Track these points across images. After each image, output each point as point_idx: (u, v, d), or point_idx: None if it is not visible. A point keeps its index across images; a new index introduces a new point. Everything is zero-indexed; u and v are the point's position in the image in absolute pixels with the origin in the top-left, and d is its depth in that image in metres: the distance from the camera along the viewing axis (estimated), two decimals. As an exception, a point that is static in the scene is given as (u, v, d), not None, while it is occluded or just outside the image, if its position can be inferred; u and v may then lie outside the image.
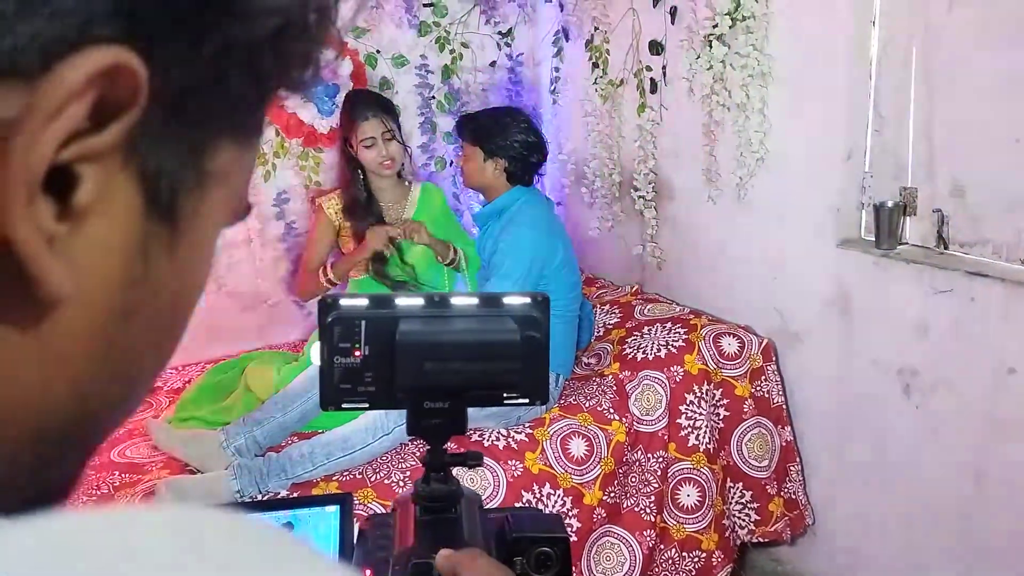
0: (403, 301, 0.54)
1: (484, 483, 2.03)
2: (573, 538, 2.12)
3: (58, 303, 0.24)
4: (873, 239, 2.11)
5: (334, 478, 2.00)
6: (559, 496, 2.12)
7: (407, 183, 2.64)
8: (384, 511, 1.90)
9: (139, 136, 0.24)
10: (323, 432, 2.08)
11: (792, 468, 2.38)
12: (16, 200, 0.22)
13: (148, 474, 2.03)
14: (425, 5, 2.87)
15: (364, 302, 0.53)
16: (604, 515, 2.18)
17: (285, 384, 2.24)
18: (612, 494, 2.19)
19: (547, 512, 0.58)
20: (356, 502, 1.92)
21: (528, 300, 0.55)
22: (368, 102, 2.51)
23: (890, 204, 2.05)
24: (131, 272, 0.26)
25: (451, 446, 0.57)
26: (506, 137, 2.29)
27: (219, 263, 2.70)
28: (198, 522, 0.22)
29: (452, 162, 3.03)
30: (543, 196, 2.47)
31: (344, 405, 0.53)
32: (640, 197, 2.68)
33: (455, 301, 0.54)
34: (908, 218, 2.07)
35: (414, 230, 2.44)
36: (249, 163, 0.31)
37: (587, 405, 2.25)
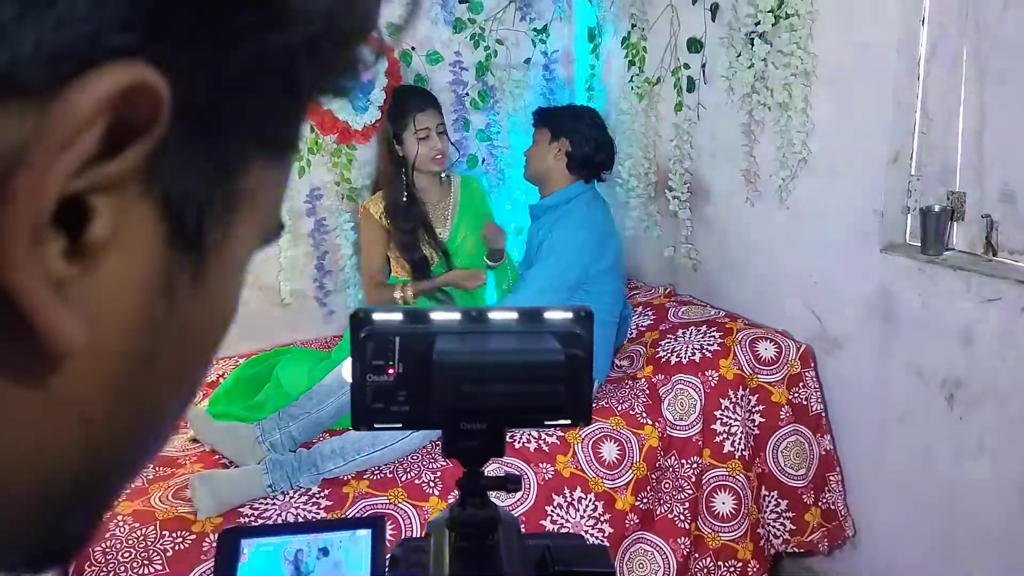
0: (439, 316, 0.51)
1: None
2: (605, 544, 2.09)
3: (68, 355, 0.21)
4: (919, 244, 2.05)
5: (365, 476, 1.99)
6: (590, 500, 2.09)
7: (447, 180, 2.62)
8: (415, 519, 1.88)
9: (161, 158, 0.21)
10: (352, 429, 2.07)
11: (831, 478, 2.33)
12: (17, 242, 0.19)
13: (182, 468, 2.04)
14: (461, 1, 2.85)
15: (398, 317, 0.51)
16: (637, 521, 2.14)
17: (317, 381, 2.24)
18: (645, 500, 2.16)
19: (591, 542, 0.55)
20: (386, 502, 1.92)
21: (571, 315, 0.52)
22: (422, 95, 2.52)
23: (937, 209, 1.99)
24: (153, 312, 0.23)
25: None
26: (577, 124, 2.34)
27: (254, 257, 2.70)
28: None
29: (484, 160, 3.01)
30: (601, 197, 2.45)
31: (376, 425, 0.51)
32: (675, 197, 2.63)
33: (493, 316, 0.52)
34: (955, 223, 2.01)
35: (496, 233, 2.44)
36: (282, 180, 0.28)
37: (619, 409, 2.22)
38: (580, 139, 2.32)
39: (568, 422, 0.52)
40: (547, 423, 0.52)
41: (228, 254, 0.25)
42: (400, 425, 0.52)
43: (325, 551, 0.53)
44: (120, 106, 0.20)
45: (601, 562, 0.51)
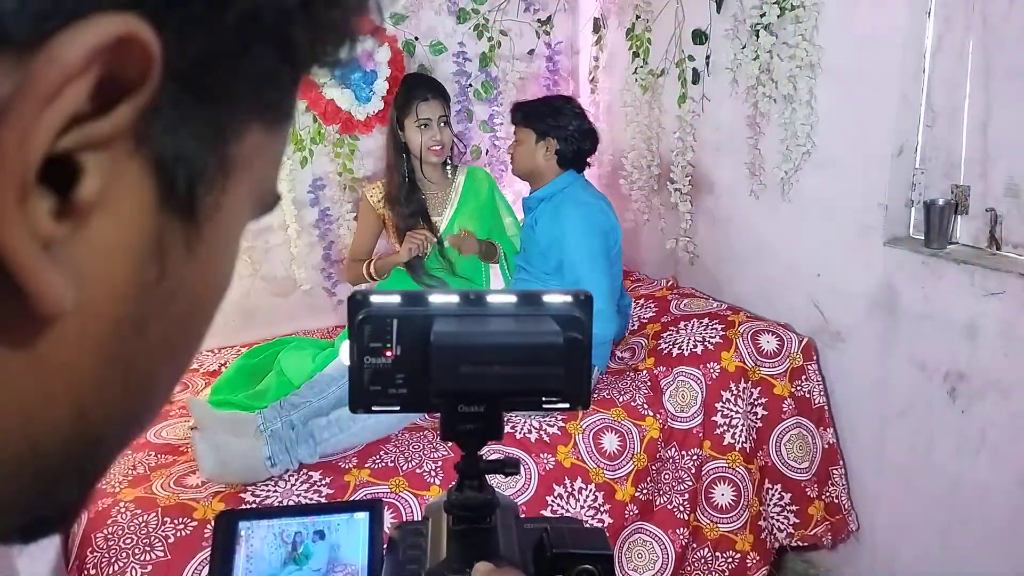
0: (437, 299, 0.51)
1: (515, 476, 2.01)
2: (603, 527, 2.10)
3: (58, 317, 0.20)
4: (922, 238, 2.04)
5: (366, 465, 1.99)
6: (591, 491, 2.09)
7: (452, 171, 2.61)
8: (416, 507, 1.88)
9: (152, 119, 0.21)
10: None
11: (835, 472, 2.33)
12: (5, 199, 0.18)
13: (183, 455, 2.05)
14: (465, -8, 2.84)
15: (396, 299, 0.50)
16: (636, 512, 2.15)
17: (319, 370, 2.24)
18: (645, 491, 2.16)
19: (589, 525, 0.55)
20: (387, 490, 1.92)
21: (570, 299, 0.52)
22: (428, 85, 2.51)
23: (941, 202, 1.98)
24: (144, 276, 0.22)
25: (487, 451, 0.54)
26: (559, 120, 2.29)
27: (255, 249, 2.71)
28: None
29: (487, 151, 3.00)
30: (593, 186, 2.44)
31: (374, 408, 0.51)
32: (676, 190, 2.62)
33: (492, 299, 0.51)
34: (959, 217, 2.00)
35: (461, 242, 2.43)
36: (278, 150, 0.27)
37: (621, 400, 2.22)
38: (567, 135, 2.29)
39: (567, 406, 0.52)
40: (546, 406, 0.52)
41: (222, 221, 0.25)
42: (398, 408, 0.52)
43: (321, 534, 0.52)
44: (110, 60, 0.19)
45: (599, 544, 0.51)
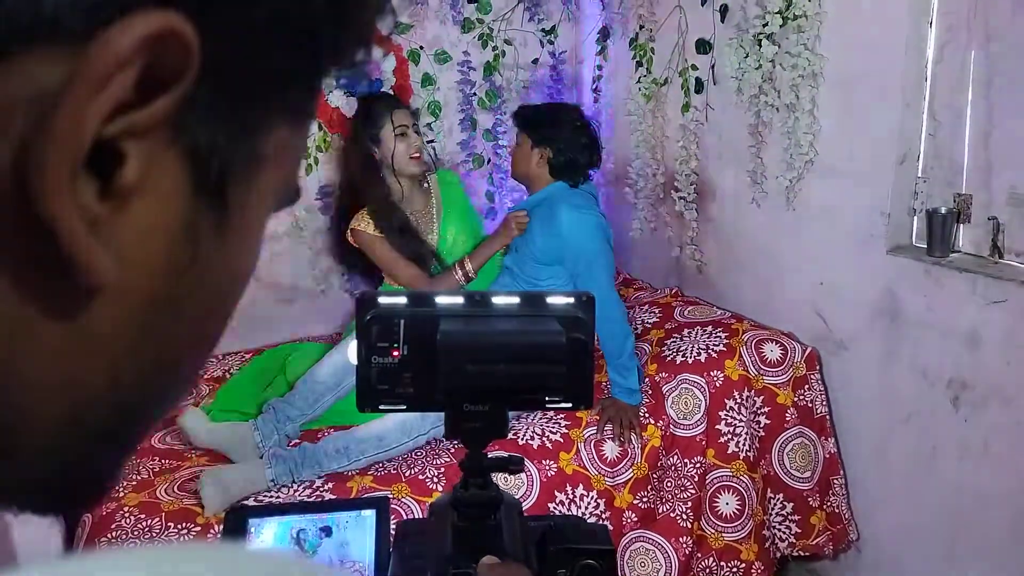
0: (443, 299, 0.52)
1: (518, 482, 2.01)
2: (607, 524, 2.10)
3: (99, 290, 0.22)
4: (925, 246, 2.05)
5: (369, 472, 2.00)
6: (592, 498, 2.09)
7: (424, 178, 2.52)
8: (419, 513, 1.89)
9: (188, 111, 0.23)
10: (358, 426, 2.08)
11: (835, 481, 2.32)
12: (58, 176, 0.20)
13: (187, 461, 2.06)
14: (470, 1, 2.86)
15: (403, 300, 0.52)
16: (635, 519, 2.15)
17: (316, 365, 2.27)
18: (644, 499, 2.16)
19: (592, 522, 0.56)
20: (390, 496, 1.93)
21: (572, 300, 0.53)
22: (390, 98, 2.51)
23: (943, 211, 1.99)
24: (177, 258, 0.24)
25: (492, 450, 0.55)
26: (557, 129, 2.25)
27: (262, 254, 2.72)
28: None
29: (490, 160, 3.02)
30: (587, 193, 2.39)
31: (381, 407, 0.52)
32: (681, 198, 2.63)
33: (497, 300, 0.53)
34: (962, 225, 2.01)
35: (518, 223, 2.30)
36: (300, 147, 0.29)
37: (624, 407, 2.22)
38: (562, 147, 2.23)
39: (569, 405, 0.53)
40: (549, 405, 0.53)
41: (249, 211, 0.27)
42: (404, 407, 0.53)
43: (327, 530, 0.53)
44: (153, 52, 0.21)
45: (601, 540, 0.52)
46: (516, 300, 0.53)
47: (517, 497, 1.94)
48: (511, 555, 0.50)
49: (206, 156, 0.24)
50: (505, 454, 0.57)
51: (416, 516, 1.91)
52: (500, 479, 2.05)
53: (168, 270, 0.24)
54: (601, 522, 2.09)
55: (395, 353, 0.51)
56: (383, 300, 0.52)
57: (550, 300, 0.53)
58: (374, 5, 0.27)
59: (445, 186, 2.55)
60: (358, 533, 0.54)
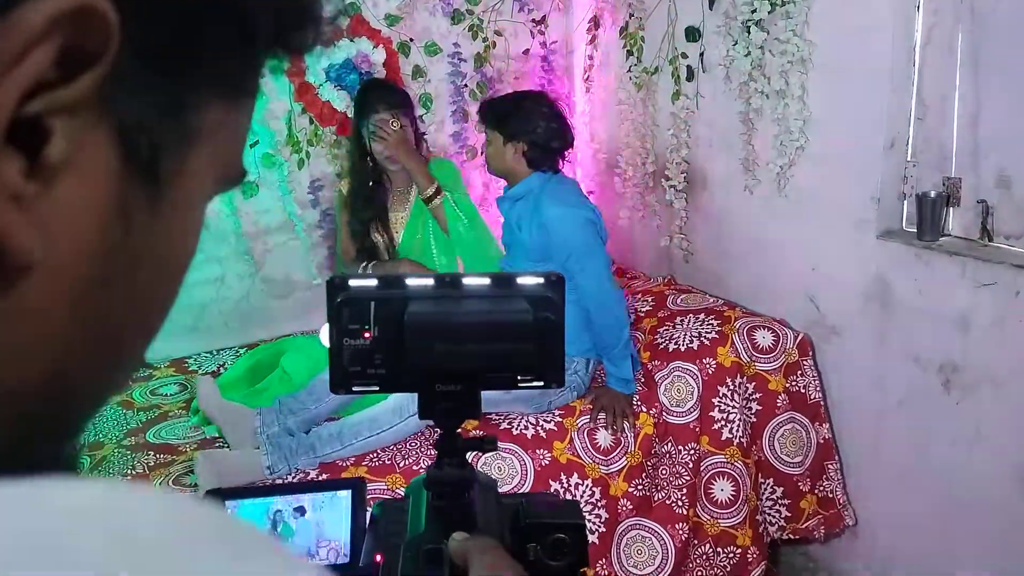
0: (413, 282, 0.53)
1: (511, 471, 2.02)
2: (600, 529, 2.11)
3: (27, 270, 0.22)
4: (915, 231, 2.05)
5: (363, 462, 2.01)
6: (587, 486, 2.10)
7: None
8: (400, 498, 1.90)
9: (114, 88, 0.22)
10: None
11: (830, 466, 2.33)
12: None
13: (182, 454, 2.06)
14: (459, -8, 2.86)
15: (373, 283, 0.52)
16: (631, 507, 2.16)
17: (321, 370, 2.26)
18: (639, 486, 2.17)
19: (564, 498, 0.56)
20: (384, 487, 1.94)
21: (541, 280, 0.53)
22: (382, 95, 2.48)
23: (933, 195, 1.99)
24: (108, 237, 0.24)
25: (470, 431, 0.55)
26: (527, 121, 2.21)
27: (256, 249, 2.73)
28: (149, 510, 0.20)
29: (482, 151, 3.01)
30: (568, 178, 2.37)
31: (354, 388, 0.52)
32: (671, 186, 2.64)
33: (466, 282, 0.53)
34: (951, 209, 2.01)
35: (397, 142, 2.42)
36: (241, 126, 0.29)
37: (616, 396, 2.22)
38: (535, 139, 2.20)
39: (540, 384, 0.53)
40: (521, 384, 0.53)
41: (184, 188, 0.26)
42: (377, 388, 0.53)
43: (301, 510, 0.54)
44: (72, 30, 0.21)
45: (571, 515, 0.52)
46: (487, 281, 0.53)
47: (512, 487, 1.96)
48: (483, 531, 0.51)
49: (135, 132, 0.24)
50: (480, 433, 0.58)
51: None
52: (495, 467, 2.06)
53: (100, 248, 0.24)
54: (596, 510, 2.10)
55: (366, 335, 0.52)
56: (354, 283, 0.53)
57: (520, 280, 0.53)
58: None
59: (436, 172, 2.55)
60: (333, 513, 0.55)
